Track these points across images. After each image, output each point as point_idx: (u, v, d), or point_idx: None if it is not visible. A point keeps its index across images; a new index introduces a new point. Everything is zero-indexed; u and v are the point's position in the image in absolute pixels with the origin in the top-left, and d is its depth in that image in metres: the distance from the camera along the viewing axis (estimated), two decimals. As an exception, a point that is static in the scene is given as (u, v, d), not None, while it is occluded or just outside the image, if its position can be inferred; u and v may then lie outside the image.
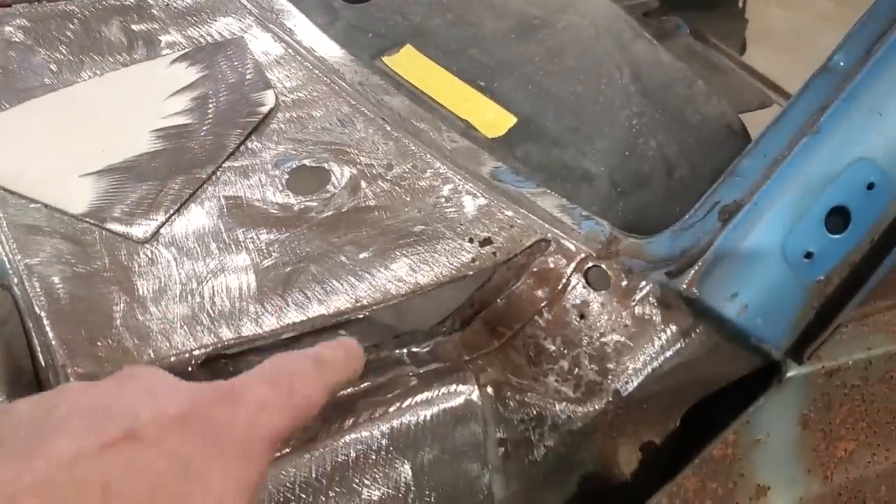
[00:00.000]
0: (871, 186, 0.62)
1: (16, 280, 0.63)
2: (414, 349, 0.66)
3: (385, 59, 0.86)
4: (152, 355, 0.58)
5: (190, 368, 0.58)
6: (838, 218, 0.62)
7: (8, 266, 0.64)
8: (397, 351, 0.66)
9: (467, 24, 0.89)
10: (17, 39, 0.81)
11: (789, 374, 0.64)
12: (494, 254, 0.66)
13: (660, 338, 0.63)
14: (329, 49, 0.84)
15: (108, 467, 0.37)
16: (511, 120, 0.80)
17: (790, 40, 2.95)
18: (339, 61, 0.83)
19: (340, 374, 0.50)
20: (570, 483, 0.66)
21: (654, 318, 0.63)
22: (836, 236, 0.62)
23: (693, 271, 0.61)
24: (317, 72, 0.81)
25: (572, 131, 0.79)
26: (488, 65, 0.85)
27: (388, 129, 0.76)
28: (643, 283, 0.64)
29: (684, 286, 0.61)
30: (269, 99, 0.78)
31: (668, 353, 0.62)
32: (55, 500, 0.36)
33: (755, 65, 2.11)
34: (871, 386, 0.68)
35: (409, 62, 0.85)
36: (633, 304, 0.63)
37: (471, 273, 0.66)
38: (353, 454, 0.60)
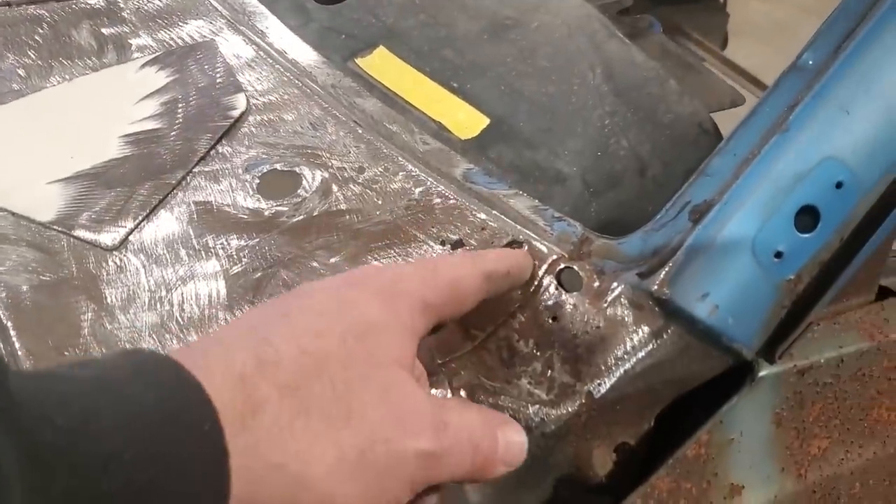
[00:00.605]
0: (839, 185, 0.62)
1: (-18, 289, 0.62)
2: (386, 353, 0.66)
3: (358, 60, 0.86)
4: (120, 364, 0.57)
5: None
6: (808, 217, 0.62)
7: (-26, 275, 0.63)
8: None
9: (440, 24, 0.89)
10: None
11: (761, 374, 0.64)
12: None
13: (632, 339, 0.62)
14: (301, 51, 0.84)
15: (286, 305, 0.46)
16: (484, 121, 0.80)
17: (772, 33, 2.95)
18: (312, 64, 0.82)
19: (496, 264, 0.56)
20: (546, 486, 0.66)
21: (626, 319, 0.63)
22: (806, 235, 0.62)
23: (664, 272, 0.61)
24: (288, 74, 0.81)
25: (545, 132, 0.79)
26: (461, 66, 0.84)
27: (360, 131, 0.75)
28: (615, 284, 0.63)
29: (655, 287, 0.61)
30: (240, 102, 0.77)
31: (641, 354, 0.62)
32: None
33: (736, 58, 2.11)
34: (843, 383, 0.68)
35: (381, 63, 0.85)
36: (606, 305, 0.63)
37: None
38: (325, 460, 0.59)
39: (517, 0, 0.91)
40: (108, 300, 0.61)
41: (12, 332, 0.58)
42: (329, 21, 0.90)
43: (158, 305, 0.61)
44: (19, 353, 0.57)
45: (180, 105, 0.77)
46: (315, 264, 0.65)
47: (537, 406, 0.64)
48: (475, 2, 0.91)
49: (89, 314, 0.60)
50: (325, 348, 0.44)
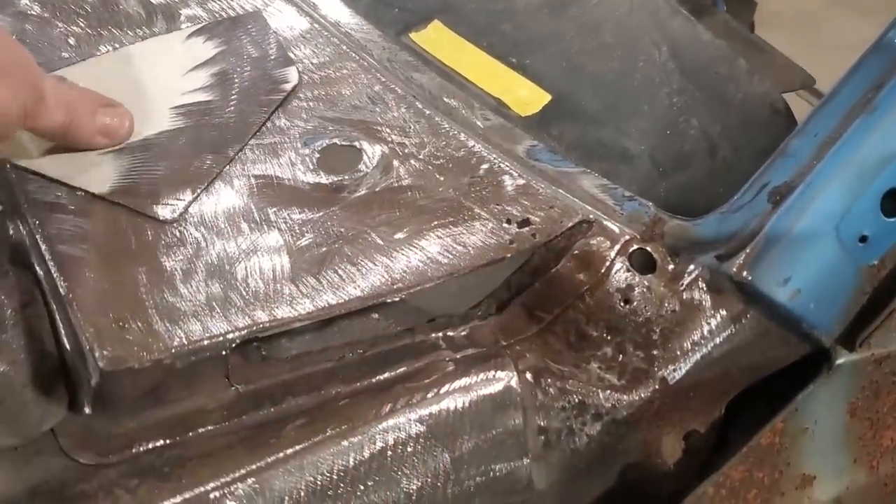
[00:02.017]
0: (929, 168, 0.60)
1: (37, 261, 0.60)
2: (450, 333, 0.64)
3: (412, 35, 0.83)
4: (184, 338, 0.55)
5: (224, 352, 0.56)
6: (894, 200, 0.60)
7: (29, 246, 0.62)
8: (433, 335, 0.64)
9: (497, -2, 0.87)
10: (33, 12, 0.78)
11: (839, 361, 0.62)
12: (534, 235, 0.64)
13: (709, 323, 0.61)
14: (355, 24, 0.81)
15: None
16: (545, 97, 0.77)
17: (799, 25, 2.93)
18: (366, 37, 0.80)
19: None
20: (612, 473, 0.64)
21: (704, 303, 0.61)
22: (892, 220, 0.60)
23: (744, 255, 0.60)
24: (344, 47, 0.78)
25: (609, 109, 0.77)
26: (520, 40, 0.82)
27: (420, 106, 0.73)
28: (691, 266, 0.62)
29: (735, 270, 0.60)
30: (292, 76, 0.75)
31: (718, 340, 0.60)
32: None
33: (763, 48, 2.08)
34: (919, 374, 0.66)
35: (437, 38, 0.83)
36: (682, 288, 0.61)
37: (508, 255, 0.64)
38: (390, 441, 0.58)
39: (577, -25, 0.89)
40: (169, 272, 0.59)
41: (74, 306, 0.56)
42: (380, -7, 0.88)
43: (221, 279, 0.59)
44: (80, 325, 0.55)
45: (233, 77, 0.74)
46: (378, 240, 0.63)
47: (608, 391, 0.62)
48: (533, -24, 0.89)
49: (150, 287, 0.58)
50: None
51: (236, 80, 0.75)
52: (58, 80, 0.64)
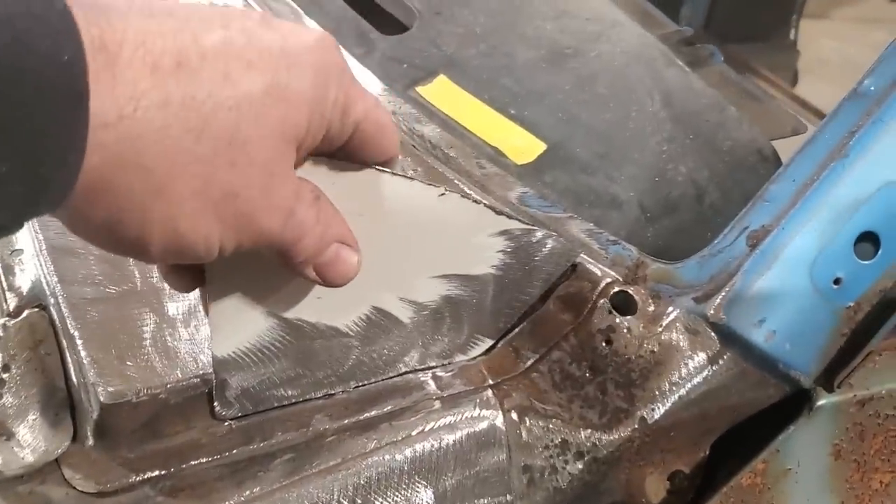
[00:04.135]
0: (901, 212, 0.61)
1: (52, 301, 0.65)
2: (438, 372, 0.66)
3: (419, 89, 0.87)
4: (179, 375, 0.59)
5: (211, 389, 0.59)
6: (868, 244, 0.61)
7: (46, 287, 0.66)
8: (420, 374, 0.66)
9: (500, 54, 0.90)
10: None
11: (819, 403, 0.63)
12: None
13: (687, 364, 0.62)
14: (364, 79, 0.85)
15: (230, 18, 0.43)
16: (540, 147, 0.80)
17: (843, 72, 2.90)
18: (374, 91, 0.84)
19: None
20: (597, 511, 0.65)
21: (682, 344, 0.62)
22: (866, 262, 0.61)
23: (720, 297, 0.61)
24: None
25: (601, 157, 0.80)
26: (519, 93, 0.85)
27: (419, 155, 0.76)
28: (670, 308, 0.63)
29: (711, 311, 0.61)
30: None
31: (696, 380, 0.62)
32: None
33: (807, 96, 2.08)
34: (907, 416, 0.66)
35: (441, 91, 0.86)
36: (661, 329, 0.63)
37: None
38: (374, 476, 0.60)
39: (577, 30, 0.92)
40: (171, 313, 0.63)
41: (78, 342, 0.60)
42: (391, 51, 0.92)
43: None
44: (85, 361, 0.59)
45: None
46: None
47: (589, 430, 0.63)
48: (535, 32, 0.92)
49: (151, 326, 0.62)
50: (247, 88, 0.42)
51: None
52: (312, 201, 0.48)
